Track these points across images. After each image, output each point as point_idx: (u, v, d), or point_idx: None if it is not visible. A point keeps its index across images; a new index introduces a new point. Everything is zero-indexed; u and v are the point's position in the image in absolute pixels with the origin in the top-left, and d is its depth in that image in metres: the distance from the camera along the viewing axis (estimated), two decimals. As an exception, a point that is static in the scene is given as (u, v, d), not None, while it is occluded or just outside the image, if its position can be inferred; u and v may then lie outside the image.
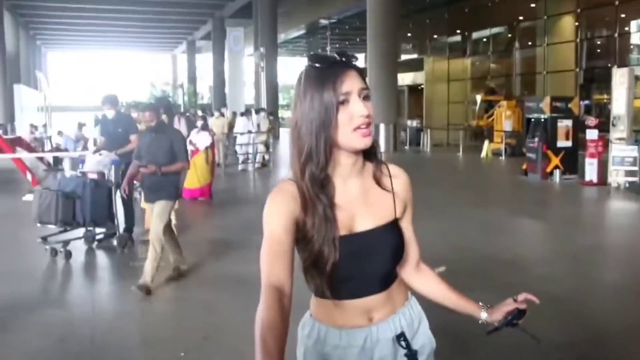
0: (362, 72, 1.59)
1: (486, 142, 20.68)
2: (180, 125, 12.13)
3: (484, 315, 1.78)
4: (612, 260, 7.41)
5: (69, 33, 47.95)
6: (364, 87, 1.56)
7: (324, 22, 39.17)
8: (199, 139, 11.18)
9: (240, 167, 16.99)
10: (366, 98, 1.56)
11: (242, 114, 19.28)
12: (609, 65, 19.64)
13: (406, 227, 1.74)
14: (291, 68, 51.98)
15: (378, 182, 1.69)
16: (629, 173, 12.36)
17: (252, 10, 33.55)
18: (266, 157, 17.88)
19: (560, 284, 5.92)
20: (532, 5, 25.28)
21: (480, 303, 1.79)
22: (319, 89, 1.52)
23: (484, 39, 28.43)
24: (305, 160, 1.56)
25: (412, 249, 1.79)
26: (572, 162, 14.01)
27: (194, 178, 10.97)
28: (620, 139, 12.94)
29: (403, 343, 1.65)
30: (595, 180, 12.91)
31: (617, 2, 21.18)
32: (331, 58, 1.57)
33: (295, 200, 1.57)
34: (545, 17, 24.37)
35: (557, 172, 13.85)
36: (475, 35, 28.92)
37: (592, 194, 12.27)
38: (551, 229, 9.25)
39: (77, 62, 78.14)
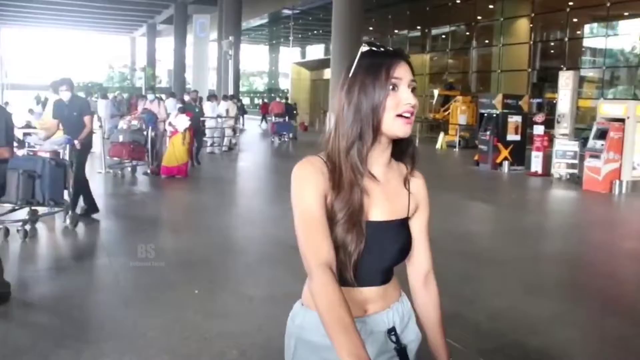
0: (412, 67, 1.60)
1: (441, 134, 21.81)
2: (160, 107, 12.74)
3: None
4: (548, 236, 8.57)
5: (25, 10, 47.17)
6: (413, 79, 1.58)
7: (287, 12, 39.76)
8: (178, 121, 11.92)
9: (208, 149, 17.68)
10: (414, 90, 1.57)
11: (207, 99, 19.90)
12: (560, 66, 21.02)
13: (419, 230, 1.73)
14: (252, 56, 52.19)
15: (402, 179, 1.69)
16: (570, 165, 13.58)
17: (217, -3, 33.91)
18: (233, 140, 18.67)
19: (502, 253, 7.01)
20: (491, 6, 26.51)
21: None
22: (372, 72, 1.53)
23: (443, 36, 29.59)
24: (353, 139, 1.54)
25: (424, 255, 1.76)
26: (520, 154, 15.29)
27: (172, 157, 11.78)
28: (563, 134, 14.18)
29: (393, 337, 1.62)
30: (540, 171, 14.13)
31: (568, 9, 22.59)
32: (387, 47, 1.59)
33: (325, 177, 1.54)
34: (502, 19, 25.66)
35: (506, 163, 15.05)
36: (434, 32, 30.06)
37: (537, 183, 13.46)
38: (498, 211, 10.37)
39: (33, 40, 76.51)
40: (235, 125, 19.25)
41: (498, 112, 15.30)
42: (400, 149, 1.67)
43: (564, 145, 13.75)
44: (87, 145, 8.00)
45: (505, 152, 15.13)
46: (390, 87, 1.53)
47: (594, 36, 23.36)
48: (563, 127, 14.30)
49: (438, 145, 21.31)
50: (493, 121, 15.39)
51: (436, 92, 25.87)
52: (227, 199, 10.80)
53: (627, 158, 12.17)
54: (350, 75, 1.57)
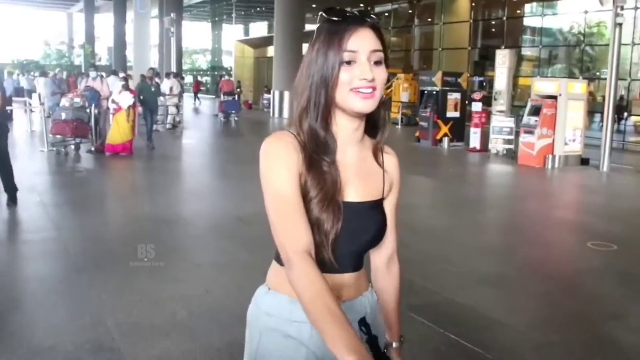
0: (380, 33, 1.46)
1: (384, 112, 22.19)
2: (102, 84, 12.64)
3: (394, 345, 1.69)
4: (483, 207, 9.02)
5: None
6: (377, 49, 1.43)
7: (230, -12, 39.45)
8: (122, 98, 11.87)
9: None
10: (378, 62, 1.44)
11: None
12: (500, 45, 21.65)
13: (390, 210, 1.62)
14: (194, 33, 51.50)
15: (375, 157, 1.59)
16: (506, 141, 14.14)
17: (158, -27, 33.40)
18: (177, 118, 18.63)
19: (439, 220, 7.41)
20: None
21: (400, 337, 1.70)
22: (326, 43, 1.42)
23: (386, 14, 29.92)
24: (301, 111, 1.46)
25: (391, 236, 1.66)
26: (459, 131, 15.79)
27: (116, 134, 11.76)
28: (500, 111, 14.75)
29: (364, 328, 1.52)
30: (478, 147, 14.66)
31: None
32: (346, 12, 1.45)
33: (297, 152, 1.43)
34: (442, -3, 26.21)
35: (445, 140, 15.54)
36: (377, 9, 30.38)
37: (475, 159, 13.99)
38: (438, 184, 10.81)
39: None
40: (179, 103, 19.16)
41: (438, 90, 15.74)
42: (372, 125, 1.55)
43: (501, 121, 14.29)
44: (2, 126, 7.10)
45: (445, 129, 15.60)
46: (345, 61, 1.40)
47: (532, 15, 24.05)
48: (500, 104, 14.87)
49: (381, 122, 21.68)
50: (433, 98, 15.83)
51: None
52: (174, 175, 10.87)
53: (560, 134, 12.78)
54: (310, 44, 1.48)
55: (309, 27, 32.73)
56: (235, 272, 5.06)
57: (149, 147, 13.08)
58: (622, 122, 19.37)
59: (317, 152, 1.44)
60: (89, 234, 6.24)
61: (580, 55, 21.50)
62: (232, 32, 44.23)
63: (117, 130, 11.75)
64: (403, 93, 22.19)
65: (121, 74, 16.93)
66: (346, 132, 1.49)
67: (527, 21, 24.37)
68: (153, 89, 14.10)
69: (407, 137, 17.46)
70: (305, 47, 26.29)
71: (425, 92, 16.21)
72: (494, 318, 4.30)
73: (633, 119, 19.84)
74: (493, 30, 25.52)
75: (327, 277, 1.36)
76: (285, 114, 23.90)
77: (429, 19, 27.85)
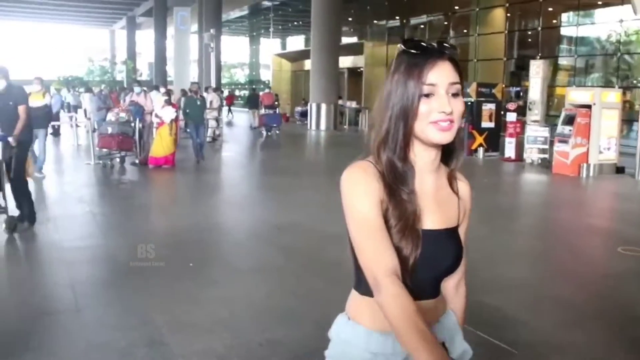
0: (457, 64, 1.50)
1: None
2: (146, 99, 13.17)
3: None
4: (517, 214, 9.17)
5: (2, 3, 46.87)
6: (455, 81, 1.47)
7: (267, 3, 40.04)
8: (164, 113, 12.35)
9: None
10: (455, 94, 1.47)
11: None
12: (536, 55, 21.66)
13: (462, 236, 1.65)
14: (232, 47, 52.35)
15: (450, 185, 1.63)
16: (541, 151, 14.21)
17: (197, -11, 34.12)
18: (217, 131, 19.12)
19: (473, 229, 7.55)
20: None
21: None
22: (405, 75, 1.46)
23: (421, 26, 30.11)
24: (380, 142, 1.50)
25: (460, 265, 1.66)
26: (494, 141, 15.89)
27: (159, 148, 12.24)
28: (534, 121, 14.82)
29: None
30: (513, 156, 14.75)
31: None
32: (425, 45, 1.49)
33: (377, 180, 1.47)
34: (477, 9, 26.24)
35: (481, 150, 15.64)
36: (412, 22, 30.59)
37: (510, 168, 14.08)
38: (473, 193, 10.92)
39: (11, 34, 75.78)
40: (219, 117, 19.66)
41: (473, 100, 15.87)
42: (447, 153, 1.58)
43: (535, 131, 14.35)
44: (25, 141, 7.11)
45: (480, 139, 15.70)
46: (424, 94, 1.45)
47: (568, 25, 23.95)
48: (534, 114, 14.94)
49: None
50: (468, 109, 15.94)
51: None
52: (214, 186, 11.31)
53: (594, 142, 12.79)
54: (388, 76, 1.51)
55: (345, 40, 33.26)
56: (272, 276, 5.37)
57: (199, 159, 13.32)
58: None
59: (396, 183, 1.47)
60: (134, 241, 6.60)
61: (616, 64, 21.33)
62: (270, 46, 44.87)
63: (160, 144, 12.24)
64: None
65: (163, 89, 17.47)
66: (424, 161, 1.52)
67: (563, 31, 24.27)
68: (199, 103, 14.13)
69: (442, 148, 17.61)
70: (342, 60, 26.80)
71: (460, 103, 16.33)
72: (519, 318, 4.50)
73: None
74: (529, 40, 25.46)
75: None
76: (323, 126, 24.20)
77: (465, 30, 27.93)
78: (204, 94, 19.69)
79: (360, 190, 1.46)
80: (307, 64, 27.33)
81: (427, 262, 1.48)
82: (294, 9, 38.24)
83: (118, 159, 12.61)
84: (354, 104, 28.04)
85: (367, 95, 29.38)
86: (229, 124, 29.62)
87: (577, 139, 12.71)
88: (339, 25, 26.36)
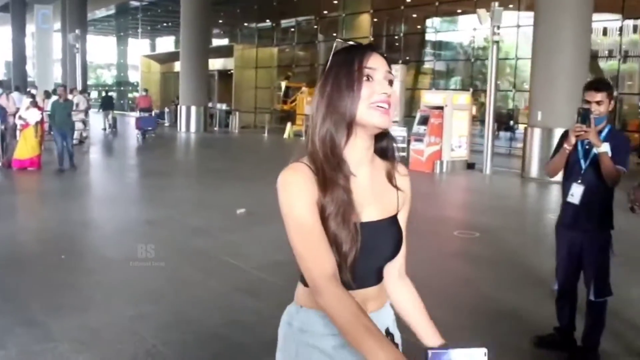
0: (388, 60, 1.57)
1: (289, 124, 23.05)
2: (9, 101, 12.84)
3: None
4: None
5: None
6: (389, 70, 1.55)
7: (135, 3, 39.27)
8: (29, 115, 12.15)
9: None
10: (390, 82, 1.54)
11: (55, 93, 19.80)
12: (399, 60, 22.99)
13: (402, 223, 1.69)
14: (98, 48, 50.69)
15: (386, 176, 1.65)
16: (400, 149, 15.15)
17: (60, -14, 32.86)
18: (84, 134, 18.78)
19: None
20: (335, 1, 28.04)
21: (442, 339, 1.66)
22: (346, 64, 1.52)
23: (291, 29, 30.84)
24: (328, 133, 1.52)
25: (402, 251, 1.71)
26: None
27: (24, 150, 12.02)
28: (394, 121, 15.87)
29: (388, 337, 1.58)
30: (374, 155, 15.70)
31: (402, 7, 24.70)
32: (360, 43, 1.59)
33: (312, 181, 1.50)
34: (344, 14, 27.37)
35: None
36: (282, 25, 31.27)
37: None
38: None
39: None
40: (86, 119, 19.31)
41: (337, 102, 16.72)
42: (381, 146, 1.64)
43: (394, 130, 15.25)
44: None
45: (344, 139, 16.58)
46: (365, 77, 1.51)
47: (428, 32, 25.47)
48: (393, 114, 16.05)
49: (285, 135, 22.53)
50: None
51: (283, 84, 27.00)
52: (83, 186, 11.34)
53: (446, 141, 14.02)
54: (325, 71, 1.56)
55: (215, 42, 33.41)
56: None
57: (68, 169, 12.23)
58: (511, 130, 21.10)
59: (332, 173, 1.49)
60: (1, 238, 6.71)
61: (470, 69, 23.11)
62: (138, 47, 44.01)
63: (25, 146, 12.01)
64: (307, 106, 22.94)
65: (34, 91, 16.89)
66: (360, 152, 1.56)
67: (425, 37, 25.78)
68: (64, 107, 12.75)
69: (310, 148, 18.38)
70: (212, 62, 26.95)
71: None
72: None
73: (521, 127, 21.57)
74: (393, 45, 26.75)
75: (353, 292, 1.45)
76: (193, 128, 24.22)
77: (334, 34, 28.74)
78: (69, 96, 19.28)
79: (294, 191, 1.49)
80: (177, 66, 27.23)
81: (368, 253, 1.52)
82: (163, 10, 37.79)
83: (-22, 162, 12.25)
84: (224, 106, 28.31)
85: (237, 97, 29.68)
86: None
87: (431, 138, 13.87)
88: (208, 27, 26.50)
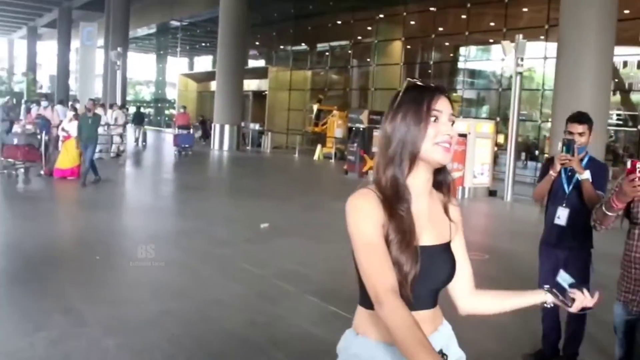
0: (452, 102, 1.73)
1: (319, 146, 23.52)
2: (53, 113, 13.62)
3: (549, 298, 1.89)
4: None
5: None
6: (453, 113, 1.70)
7: (175, 23, 40.39)
8: (71, 127, 12.87)
9: (97, 155, 18.40)
10: (452, 124, 1.69)
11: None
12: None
13: (461, 251, 1.85)
14: (138, 64, 52.00)
15: (442, 206, 1.80)
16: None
17: (104, 4, 33.94)
18: (121, 147, 19.58)
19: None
20: (368, 28, 28.66)
21: (541, 290, 1.91)
22: (415, 104, 1.65)
23: (326, 54, 31.52)
24: (387, 164, 1.66)
25: (468, 272, 1.89)
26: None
27: (65, 160, 12.76)
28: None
29: (443, 357, 1.68)
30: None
31: (433, 35, 25.19)
32: (429, 83, 1.72)
33: (379, 206, 1.63)
34: (376, 40, 27.95)
35: (371, 172, 16.89)
36: (316, 50, 31.95)
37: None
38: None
39: None
40: (123, 133, 20.12)
41: (364, 126, 17.24)
42: (438, 179, 1.77)
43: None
44: None
45: (371, 162, 16.89)
46: (432, 118, 1.65)
47: (461, 60, 25.89)
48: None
49: (315, 157, 23.03)
50: (360, 134, 17.31)
51: (315, 106, 27.58)
52: (119, 197, 12.05)
53: (469, 168, 14.35)
54: (394, 106, 1.69)
55: (251, 63, 34.24)
56: (172, 266, 6.29)
57: (92, 181, 12.37)
58: (537, 159, 21.32)
59: (396, 199, 1.63)
60: (43, 240, 7.29)
61: (498, 98, 23.41)
62: (177, 65, 45.10)
63: (67, 156, 12.76)
64: (337, 129, 23.41)
65: (76, 105, 17.71)
66: (421, 183, 1.70)
67: (454, 65, 26.20)
68: (90, 122, 12.56)
69: (337, 170, 18.90)
70: (247, 82, 27.69)
71: (353, 128, 17.71)
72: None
73: (546, 156, 21.76)
74: (424, 72, 27.16)
75: None
76: (225, 146, 24.91)
77: (368, 60, 29.27)
78: (109, 111, 20.15)
79: (362, 214, 1.62)
80: (213, 85, 27.96)
81: (425, 275, 1.63)
82: (202, 30, 38.77)
83: (22, 170, 12.98)
84: (257, 126, 28.96)
85: (271, 117, 30.26)
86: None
87: (454, 165, 14.19)
88: (245, 48, 27.21)
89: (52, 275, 5.78)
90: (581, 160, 4.01)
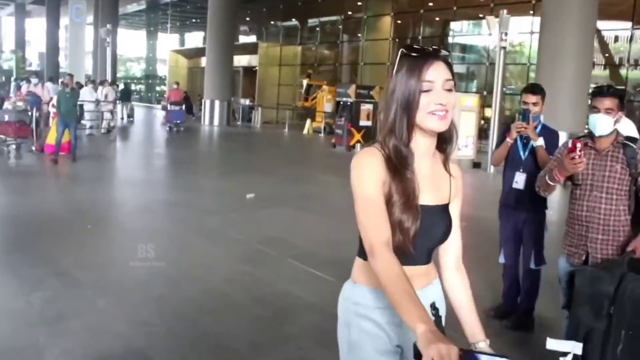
0: (450, 65, 1.74)
1: (308, 121, 23.79)
2: (43, 90, 13.81)
3: (482, 345, 1.84)
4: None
5: None
6: (449, 79, 1.71)
7: (165, -1, 40.36)
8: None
9: (87, 132, 18.63)
10: (449, 90, 1.70)
11: (86, 84, 20.84)
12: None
13: (455, 215, 1.89)
14: (128, 41, 51.77)
15: (444, 166, 1.87)
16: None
17: (93, -19, 33.86)
18: (111, 123, 19.76)
19: (339, 206, 9.03)
20: (359, 3, 28.70)
21: (485, 337, 1.85)
22: (408, 74, 1.69)
23: (316, 29, 31.55)
24: (387, 132, 1.73)
25: (456, 240, 1.93)
26: (371, 138, 17.29)
27: (56, 136, 12.89)
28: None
29: (433, 311, 1.73)
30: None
31: (422, 10, 25.30)
32: (423, 48, 1.72)
33: (382, 164, 1.71)
34: (366, 16, 28.03)
35: (359, 146, 17.14)
36: (307, 25, 31.99)
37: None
38: (343, 181, 12.42)
39: None
40: (114, 110, 20.30)
41: (352, 101, 17.48)
42: (442, 140, 1.83)
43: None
44: None
45: (358, 136, 17.26)
46: (423, 90, 1.69)
47: (446, 35, 25.99)
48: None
49: (305, 131, 23.30)
50: (347, 108, 17.56)
51: (305, 81, 27.71)
52: (109, 170, 12.35)
53: (453, 141, 14.62)
54: (392, 75, 1.75)
55: (241, 39, 34.25)
56: (160, 234, 6.60)
57: (56, 159, 12.05)
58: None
59: (400, 165, 1.72)
60: (37, 209, 7.58)
61: (486, 73, 23.62)
62: (167, 42, 45.02)
63: (57, 132, 12.92)
64: (327, 104, 23.58)
65: (64, 80, 17.86)
66: (422, 147, 1.78)
67: (443, 41, 26.30)
68: (68, 96, 12.38)
69: (326, 144, 19.19)
70: (237, 58, 27.78)
71: (341, 102, 17.95)
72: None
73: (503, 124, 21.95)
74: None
75: (405, 268, 1.61)
76: (216, 121, 25.12)
77: (358, 35, 29.37)
78: (99, 87, 20.27)
79: (366, 172, 1.71)
80: (204, 61, 28.05)
81: (423, 233, 1.74)
82: (192, 6, 38.60)
83: (14, 146, 13.19)
84: (247, 102, 29.13)
85: (261, 93, 30.41)
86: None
87: (439, 137, 14.50)
88: (235, 24, 27.26)
89: (45, 243, 6.07)
90: (535, 127, 4.32)
